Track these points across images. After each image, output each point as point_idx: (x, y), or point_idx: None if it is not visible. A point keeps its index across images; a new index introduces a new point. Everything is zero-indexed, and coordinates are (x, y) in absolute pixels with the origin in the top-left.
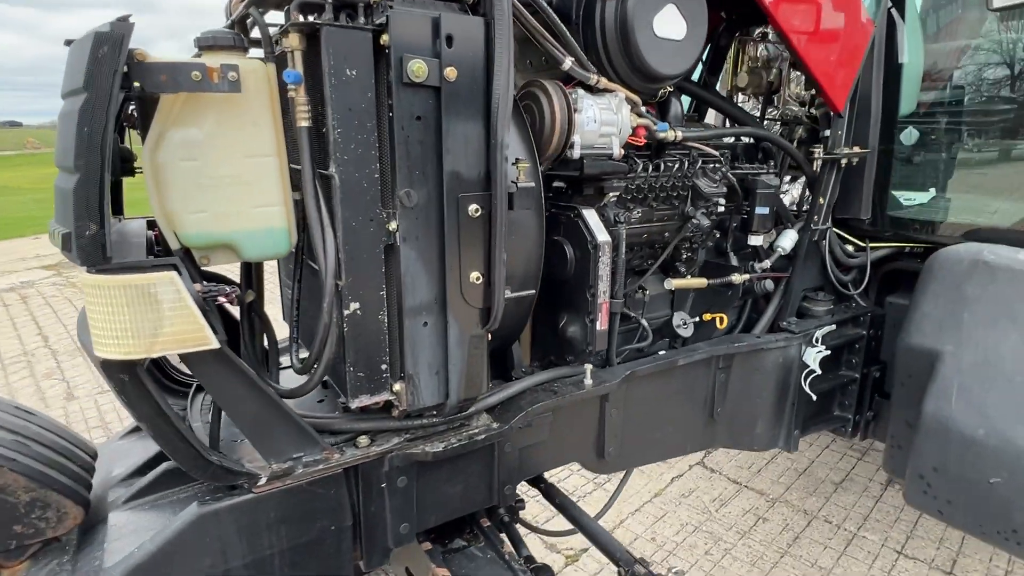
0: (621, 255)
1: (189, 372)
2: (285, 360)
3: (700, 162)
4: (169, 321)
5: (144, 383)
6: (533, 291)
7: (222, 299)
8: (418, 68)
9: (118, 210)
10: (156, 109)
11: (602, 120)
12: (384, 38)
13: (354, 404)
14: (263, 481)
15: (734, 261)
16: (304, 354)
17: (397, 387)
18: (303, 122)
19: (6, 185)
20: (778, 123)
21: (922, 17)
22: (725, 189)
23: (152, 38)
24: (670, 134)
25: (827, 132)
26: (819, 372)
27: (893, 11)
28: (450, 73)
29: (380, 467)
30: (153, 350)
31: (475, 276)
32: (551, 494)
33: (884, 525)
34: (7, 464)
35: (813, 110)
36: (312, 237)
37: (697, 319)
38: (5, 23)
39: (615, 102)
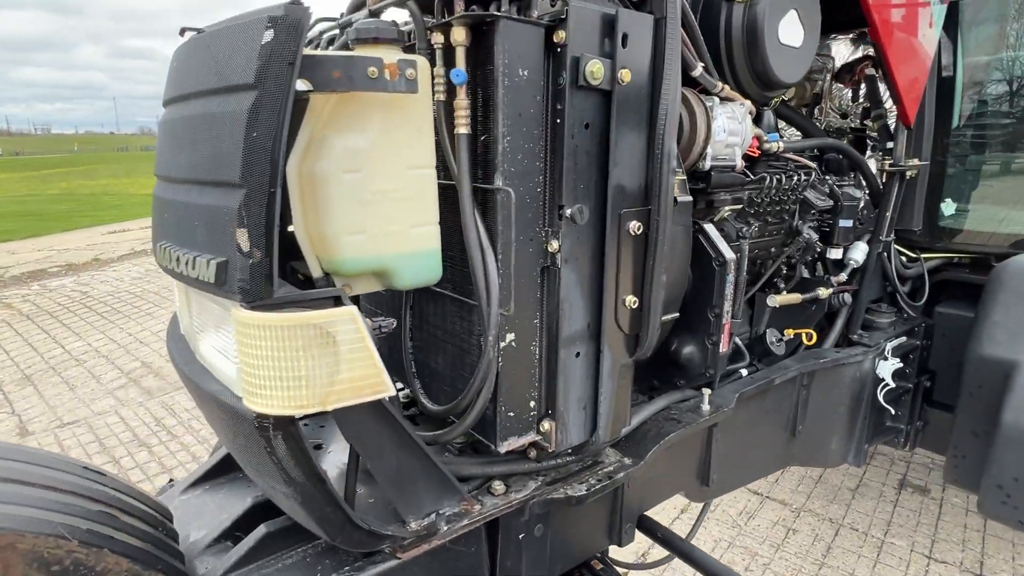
0: (743, 272)
1: None
2: None
3: (805, 177)
4: (347, 366)
5: (302, 441)
6: (677, 314)
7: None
8: (596, 69)
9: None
10: (305, 110)
11: (729, 130)
12: (559, 35)
13: (503, 448)
14: (406, 543)
15: (805, 273)
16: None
17: (546, 426)
18: (462, 128)
19: None
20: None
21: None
22: (832, 202)
23: (75, 41)
24: (774, 145)
25: (889, 144)
26: (893, 385)
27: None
28: (624, 75)
29: (520, 516)
30: (328, 402)
31: (631, 300)
32: (650, 527)
33: (907, 530)
34: (106, 544)
35: (868, 122)
36: (471, 260)
37: (782, 337)
38: None
39: (740, 111)
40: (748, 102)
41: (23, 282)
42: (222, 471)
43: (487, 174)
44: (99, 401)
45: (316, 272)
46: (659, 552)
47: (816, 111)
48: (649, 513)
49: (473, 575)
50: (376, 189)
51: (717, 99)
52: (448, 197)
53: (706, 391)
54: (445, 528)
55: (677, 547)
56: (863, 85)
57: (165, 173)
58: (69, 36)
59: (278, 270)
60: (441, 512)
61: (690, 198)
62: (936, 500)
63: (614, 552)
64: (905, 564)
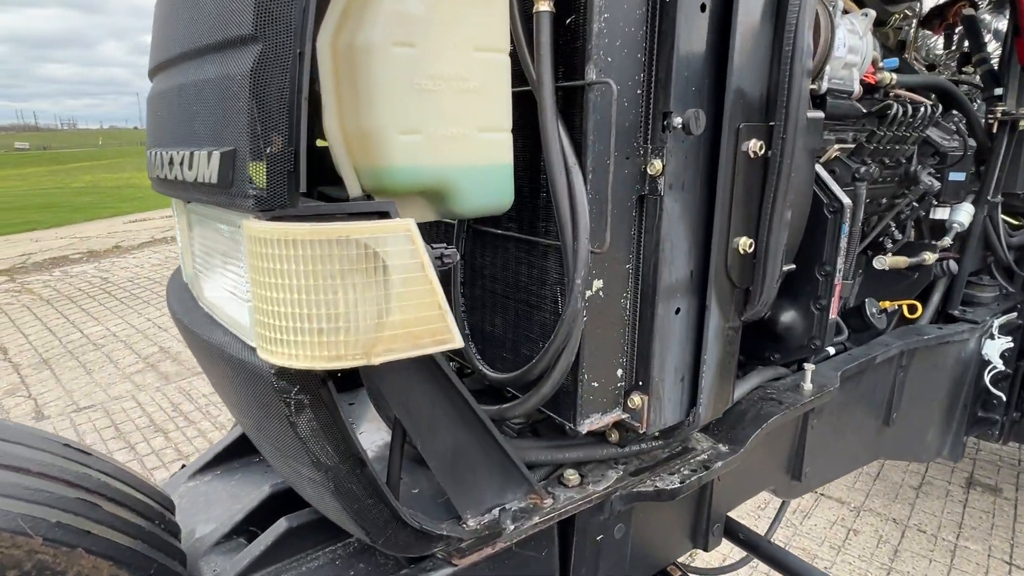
0: (859, 222)
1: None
2: None
3: (931, 110)
4: (401, 303)
5: (336, 410)
6: (792, 266)
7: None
8: None
9: None
10: None
11: (849, 46)
12: None
13: (585, 427)
14: (464, 546)
15: (895, 236)
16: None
17: (636, 401)
18: (544, 4)
19: None
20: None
21: None
22: (960, 145)
23: (98, 38)
24: (888, 76)
25: (997, 91)
26: (1001, 367)
27: None
28: None
29: (599, 513)
30: (374, 352)
31: (745, 243)
32: (731, 528)
33: (982, 533)
34: (81, 542)
35: (969, 68)
36: (551, 181)
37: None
38: None
39: (862, 25)
40: (872, 12)
41: (45, 268)
42: (236, 454)
43: (568, 69)
44: (116, 386)
45: (354, 189)
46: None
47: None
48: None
49: None
50: (435, 73)
51: (840, 2)
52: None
53: (808, 367)
54: (511, 527)
55: (766, 552)
56: (958, 29)
57: (161, 56)
58: (92, 33)
59: (306, 176)
60: (506, 507)
61: (821, 114)
62: (1010, 501)
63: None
64: (984, 571)
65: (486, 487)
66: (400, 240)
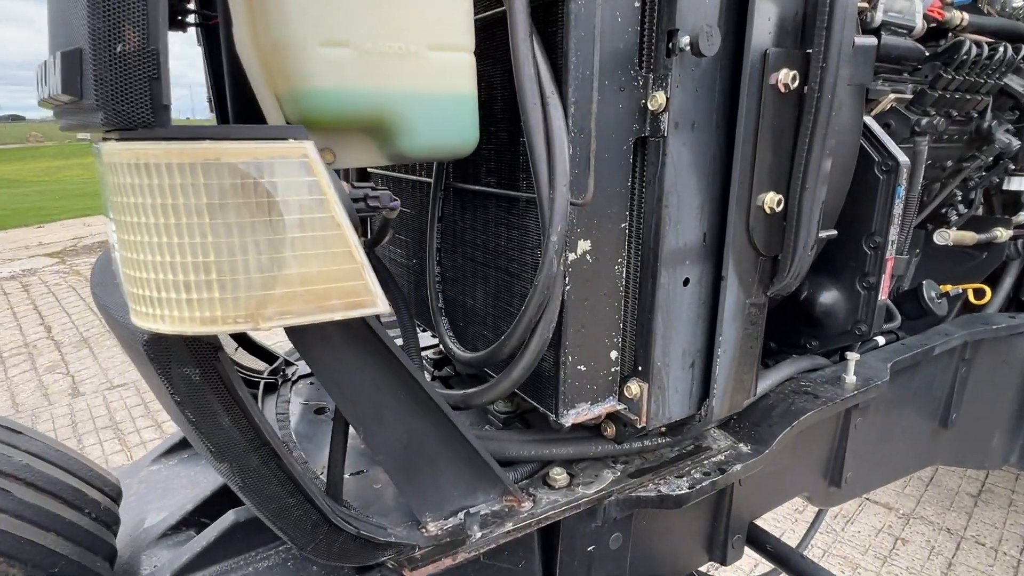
0: (917, 186)
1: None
2: None
3: (1011, 52)
4: (297, 251)
5: (234, 387)
6: (834, 232)
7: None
8: None
9: None
10: None
11: None
12: None
13: (569, 418)
14: (419, 555)
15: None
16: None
17: (634, 389)
18: None
19: (10, 178)
20: None
21: None
22: None
23: None
24: (958, 14)
25: None
26: None
27: None
28: None
29: (590, 520)
30: (262, 315)
31: (772, 199)
32: (757, 538)
33: None
34: None
35: None
36: (523, 112)
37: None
38: (6, 18)
39: None
40: None
41: (94, 251)
42: None
43: None
44: None
45: (276, 120)
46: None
47: None
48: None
49: None
50: None
51: None
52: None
53: (852, 356)
54: (479, 535)
55: (797, 568)
56: None
57: None
58: None
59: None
60: (473, 510)
61: (873, 40)
62: None
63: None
64: None
65: (450, 486)
66: (293, 168)
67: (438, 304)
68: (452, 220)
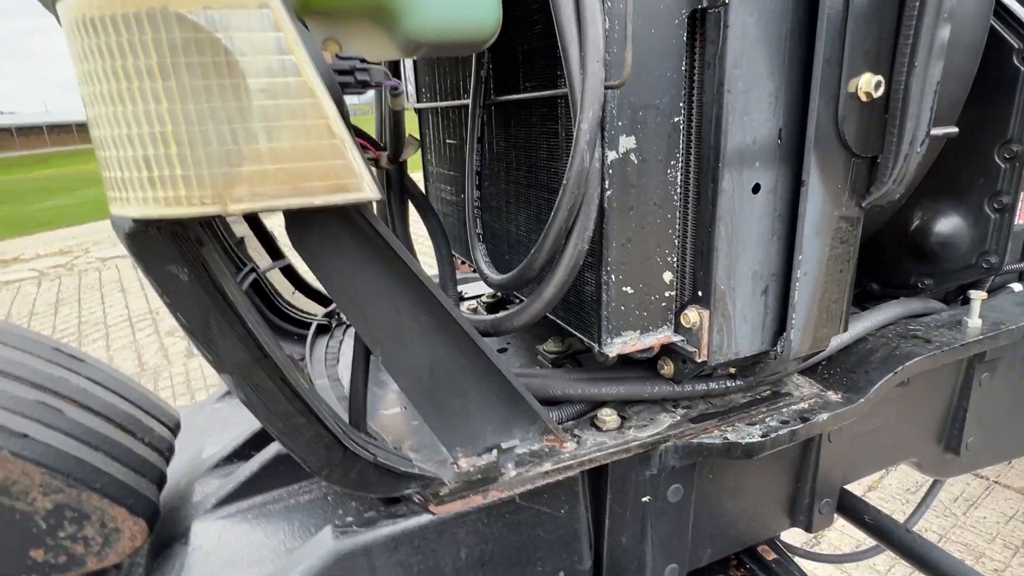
0: None
1: (308, 298)
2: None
3: None
4: (267, 122)
5: (224, 288)
6: (954, 129)
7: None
8: None
9: None
10: None
11: None
12: None
13: (613, 349)
14: (447, 491)
15: None
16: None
17: (692, 317)
18: None
19: None
20: None
21: None
22: None
23: None
24: None
25: None
26: None
27: None
28: None
29: (643, 468)
30: (232, 195)
31: (870, 83)
32: (851, 506)
33: None
34: (10, 445)
35: None
36: None
37: None
38: None
39: None
40: None
41: None
42: None
43: None
44: None
45: None
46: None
47: None
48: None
49: (564, 554)
50: None
51: None
52: None
53: (976, 295)
54: (513, 473)
55: (900, 542)
56: None
57: None
58: None
59: None
60: (507, 447)
61: None
62: None
63: (791, 536)
64: None
65: (483, 420)
66: (253, 19)
67: (476, 229)
68: (494, 140)
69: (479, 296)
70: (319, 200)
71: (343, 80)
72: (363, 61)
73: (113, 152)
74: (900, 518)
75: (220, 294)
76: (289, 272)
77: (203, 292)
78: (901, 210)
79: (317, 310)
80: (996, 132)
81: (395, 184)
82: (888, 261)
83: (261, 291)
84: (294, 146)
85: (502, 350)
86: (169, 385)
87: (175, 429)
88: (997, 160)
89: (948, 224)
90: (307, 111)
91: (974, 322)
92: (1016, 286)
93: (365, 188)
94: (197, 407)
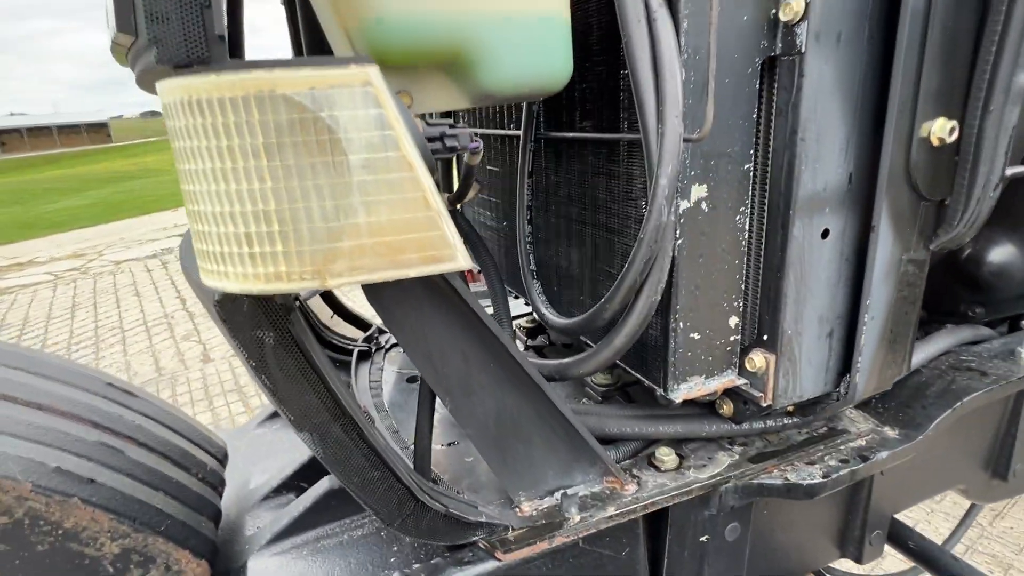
0: None
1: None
2: None
3: None
4: (366, 196)
5: (308, 350)
6: None
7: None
8: None
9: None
10: None
11: None
12: None
13: (679, 395)
14: (513, 537)
15: None
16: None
17: (758, 361)
18: None
19: (154, 168)
20: None
21: None
22: None
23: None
24: None
25: None
26: None
27: None
28: None
29: (703, 508)
30: (331, 270)
31: (943, 128)
32: (898, 534)
33: None
34: (78, 491)
35: None
36: (625, 36)
37: None
38: None
39: None
40: None
41: None
42: None
43: None
44: None
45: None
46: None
47: None
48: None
49: None
50: None
51: None
52: None
53: None
54: (578, 518)
55: (947, 569)
56: None
57: None
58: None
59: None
60: (571, 491)
61: None
62: None
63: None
64: None
65: (545, 464)
66: (356, 98)
67: (529, 266)
68: (544, 174)
69: (516, 318)
70: (414, 272)
71: (433, 147)
72: (451, 126)
73: (212, 228)
74: (923, 527)
75: (304, 357)
76: (327, 296)
77: (287, 356)
78: None
79: (355, 334)
80: None
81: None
82: (937, 288)
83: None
84: (392, 219)
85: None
86: (187, 391)
87: (223, 460)
88: None
89: (1002, 253)
90: (405, 185)
91: None
92: None
93: (459, 258)
94: (239, 432)
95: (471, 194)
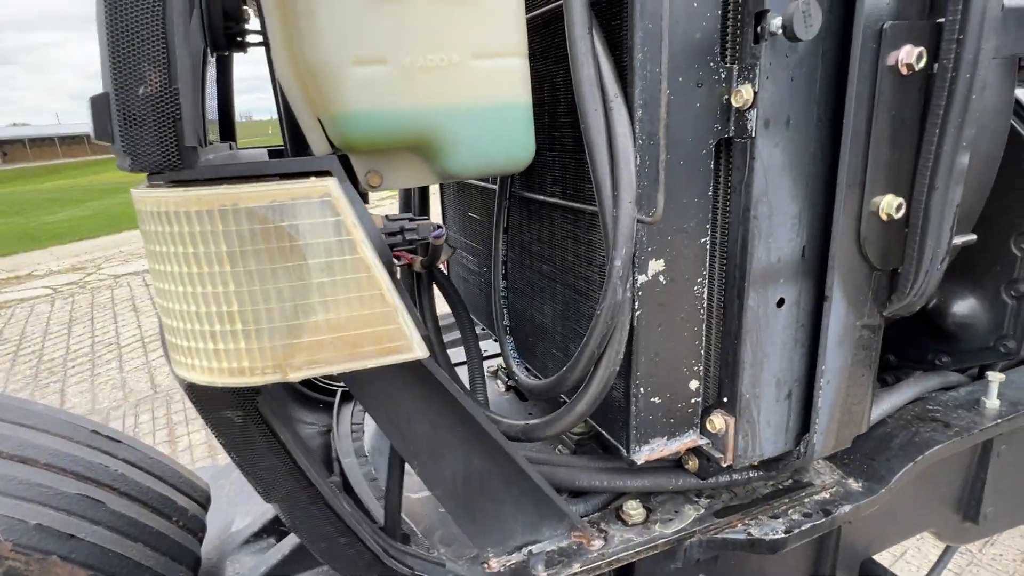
0: None
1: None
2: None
3: None
4: (326, 296)
5: (275, 428)
6: (973, 236)
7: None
8: None
9: (228, 134)
10: None
11: None
12: None
13: (640, 456)
14: None
15: None
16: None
17: (717, 423)
18: None
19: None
20: None
21: None
22: None
23: None
24: None
25: None
26: None
27: None
28: None
29: (669, 561)
30: (290, 366)
31: (890, 204)
32: (871, 573)
33: None
34: (57, 548)
35: None
36: (582, 118)
37: None
38: None
39: None
40: None
41: None
42: None
43: None
44: None
45: (320, 147)
46: None
47: None
48: None
49: None
50: None
51: None
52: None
53: (994, 377)
54: (544, 574)
55: None
56: None
57: None
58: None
59: (205, 126)
60: (537, 548)
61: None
62: None
63: None
64: None
65: (513, 521)
66: (315, 209)
67: (503, 321)
68: (519, 230)
69: (497, 355)
70: (372, 363)
71: (392, 242)
72: (411, 219)
73: (180, 324)
74: (912, 552)
75: (272, 435)
76: None
77: (256, 432)
78: None
79: None
80: (1013, 222)
81: (425, 281)
82: (907, 335)
83: None
84: (350, 316)
85: (515, 439)
86: (182, 408)
87: (206, 503)
88: (1014, 249)
89: (965, 306)
90: (363, 284)
91: (992, 403)
92: None
93: (415, 348)
94: (223, 470)
95: (443, 258)
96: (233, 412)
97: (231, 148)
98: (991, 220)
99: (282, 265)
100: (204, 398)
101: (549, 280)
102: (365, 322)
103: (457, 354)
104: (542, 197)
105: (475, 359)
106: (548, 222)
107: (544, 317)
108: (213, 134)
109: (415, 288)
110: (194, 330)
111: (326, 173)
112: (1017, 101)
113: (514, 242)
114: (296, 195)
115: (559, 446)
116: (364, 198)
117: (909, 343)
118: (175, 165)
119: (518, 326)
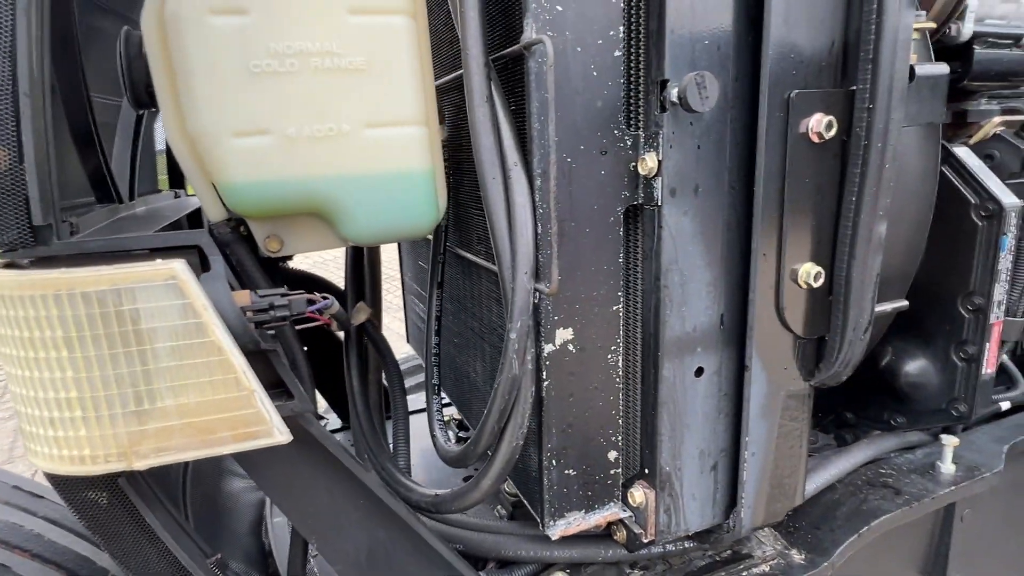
0: None
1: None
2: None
3: None
4: (174, 381)
5: (141, 511)
6: (904, 302)
7: (300, 317)
8: None
9: (176, 181)
10: None
11: None
12: None
13: (556, 531)
14: None
15: None
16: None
17: (638, 496)
18: None
19: None
20: None
21: None
22: None
23: None
24: None
25: None
26: None
27: None
28: None
29: None
30: (138, 451)
31: (809, 271)
32: None
33: None
34: None
35: None
36: (483, 189)
37: None
38: None
39: None
40: None
41: None
42: None
43: (509, 31)
44: None
45: (214, 213)
46: None
47: None
48: None
49: None
50: (282, 49)
51: None
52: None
53: (948, 441)
54: None
55: None
56: None
57: None
58: None
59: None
60: None
61: (944, 69)
62: None
63: None
64: None
65: None
66: (159, 292)
67: (432, 380)
68: (454, 285)
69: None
70: (228, 449)
71: (261, 319)
72: (283, 295)
73: (24, 409)
74: None
75: (138, 518)
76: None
77: (124, 515)
78: (880, 349)
79: None
80: (959, 283)
81: (354, 337)
82: (863, 393)
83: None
84: (201, 401)
85: (467, 477)
86: None
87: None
88: (961, 311)
89: (916, 366)
90: (214, 368)
91: (947, 468)
92: (1004, 404)
93: (275, 433)
94: None
95: (360, 317)
96: (98, 493)
97: (176, 196)
98: (938, 280)
99: (123, 350)
100: (65, 481)
101: (478, 338)
102: (218, 407)
103: (417, 400)
104: (470, 256)
105: (400, 420)
106: (476, 279)
107: (476, 375)
108: (162, 182)
109: (359, 342)
110: (36, 415)
111: (193, 248)
112: (959, 161)
113: (452, 296)
114: (138, 278)
115: (498, 506)
116: (272, 262)
117: (866, 402)
118: (29, 243)
119: (456, 381)
